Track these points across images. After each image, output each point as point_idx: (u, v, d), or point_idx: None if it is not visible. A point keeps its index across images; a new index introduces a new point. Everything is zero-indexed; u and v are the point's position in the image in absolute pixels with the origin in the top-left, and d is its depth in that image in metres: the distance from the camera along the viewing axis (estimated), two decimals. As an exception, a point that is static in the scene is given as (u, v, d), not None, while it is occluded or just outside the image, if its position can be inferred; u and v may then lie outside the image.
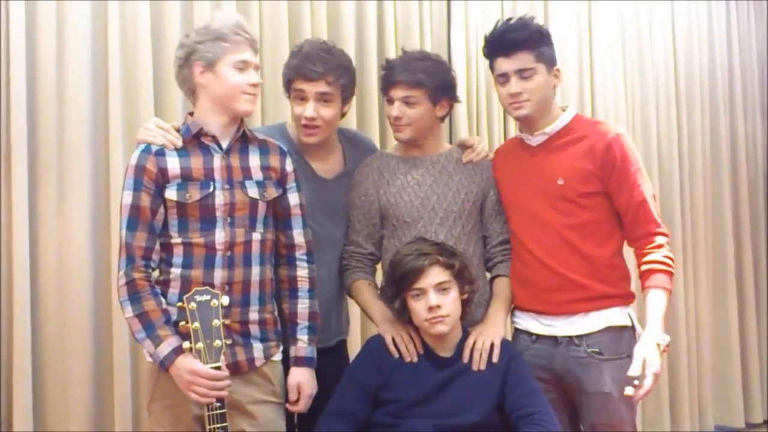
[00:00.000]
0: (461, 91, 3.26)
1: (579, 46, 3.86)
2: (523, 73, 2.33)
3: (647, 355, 2.19)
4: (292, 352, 2.26)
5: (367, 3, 3.24)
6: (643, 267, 2.33)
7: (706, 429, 4.31)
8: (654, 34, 4.20)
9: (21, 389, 2.49)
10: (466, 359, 2.27)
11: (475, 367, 2.26)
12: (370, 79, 3.16)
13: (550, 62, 2.38)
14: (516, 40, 2.33)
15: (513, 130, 3.59)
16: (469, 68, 3.51)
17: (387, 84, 2.43)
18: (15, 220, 2.52)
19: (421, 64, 2.42)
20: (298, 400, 2.24)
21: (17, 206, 2.52)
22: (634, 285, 2.44)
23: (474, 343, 2.29)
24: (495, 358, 2.27)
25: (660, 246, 2.32)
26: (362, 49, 3.21)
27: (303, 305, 2.27)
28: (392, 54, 3.09)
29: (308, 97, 2.36)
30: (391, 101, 2.43)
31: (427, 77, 2.40)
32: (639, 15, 4.14)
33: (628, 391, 2.15)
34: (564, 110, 2.44)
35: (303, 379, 2.23)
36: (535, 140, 2.41)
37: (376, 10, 3.28)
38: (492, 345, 2.28)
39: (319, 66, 2.34)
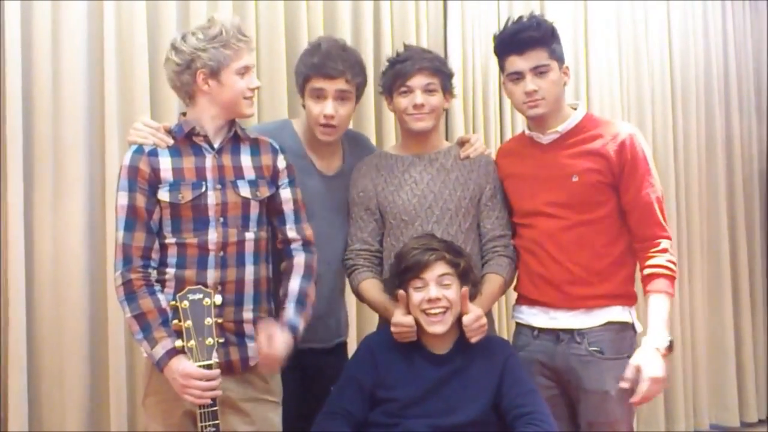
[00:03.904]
0: (457, 90, 3.27)
1: (575, 45, 3.86)
2: (538, 70, 2.33)
3: (641, 362, 2.23)
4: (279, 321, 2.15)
5: (363, 3, 3.24)
6: (646, 271, 2.33)
7: (701, 428, 4.31)
8: (650, 32, 4.19)
9: (16, 388, 2.49)
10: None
11: (473, 340, 2.24)
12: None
13: (561, 60, 2.39)
14: (531, 39, 2.33)
15: (509, 129, 3.60)
16: (466, 67, 3.51)
17: (404, 74, 2.40)
18: (10, 219, 2.51)
19: (432, 55, 2.48)
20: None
21: (12, 205, 2.52)
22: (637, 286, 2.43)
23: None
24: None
25: (664, 250, 2.33)
26: (358, 49, 3.17)
27: (294, 282, 2.20)
28: (388, 54, 3.09)
29: (327, 96, 2.36)
30: (408, 91, 2.40)
31: (442, 65, 2.46)
32: (635, 13, 4.14)
33: (623, 384, 2.21)
34: (574, 108, 2.44)
35: (277, 332, 2.07)
36: (546, 138, 2.40)
37: (373, 10, 3.28)
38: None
39: (339, 64, 2.35)
